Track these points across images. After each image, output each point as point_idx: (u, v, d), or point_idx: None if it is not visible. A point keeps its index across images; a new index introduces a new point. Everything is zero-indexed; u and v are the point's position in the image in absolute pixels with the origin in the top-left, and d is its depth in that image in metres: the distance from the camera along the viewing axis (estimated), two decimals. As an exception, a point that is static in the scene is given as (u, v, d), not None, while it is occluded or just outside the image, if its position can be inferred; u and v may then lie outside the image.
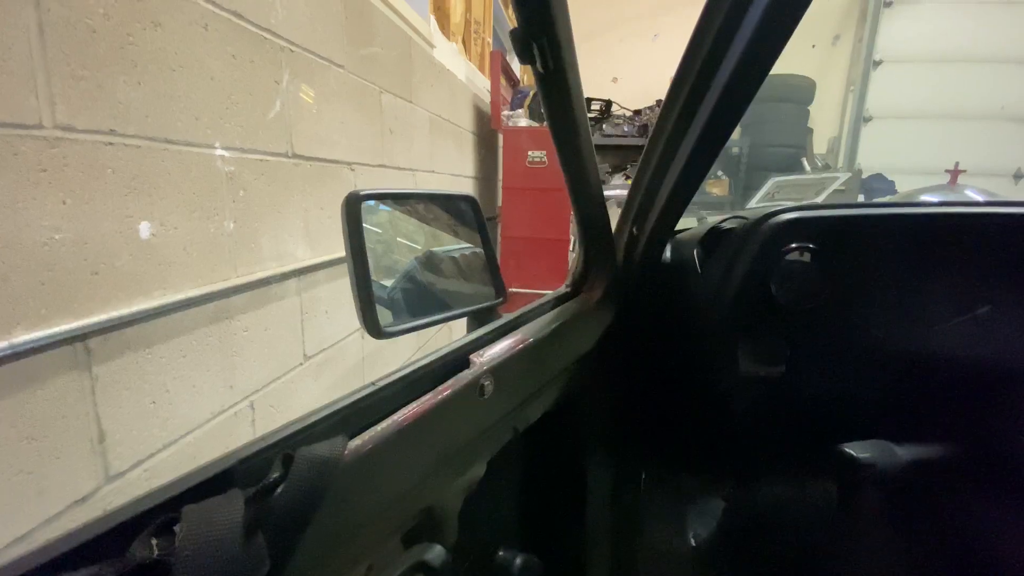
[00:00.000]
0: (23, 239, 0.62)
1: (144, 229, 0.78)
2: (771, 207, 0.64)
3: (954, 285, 0.62)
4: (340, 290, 1.39)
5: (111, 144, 0.72)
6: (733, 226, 0.67)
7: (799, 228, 0.62)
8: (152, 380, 0.82)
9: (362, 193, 0.49)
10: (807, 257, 0.61)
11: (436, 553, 0.44)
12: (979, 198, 3.02)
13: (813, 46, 4.96)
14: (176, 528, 0.27)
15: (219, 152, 0.93)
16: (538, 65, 0.45)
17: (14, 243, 0.61)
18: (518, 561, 0.57)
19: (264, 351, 1.11)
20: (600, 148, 3.62)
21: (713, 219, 0.72)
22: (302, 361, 1.25)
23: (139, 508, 0.28)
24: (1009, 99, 4.65)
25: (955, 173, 4.06)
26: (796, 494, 0.84)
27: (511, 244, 3.07)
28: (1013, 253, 0.61)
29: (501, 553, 0.58)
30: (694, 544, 0.93)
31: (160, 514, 0.28)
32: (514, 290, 3.03)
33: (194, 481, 0.30)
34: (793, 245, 0.61)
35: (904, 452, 0.60)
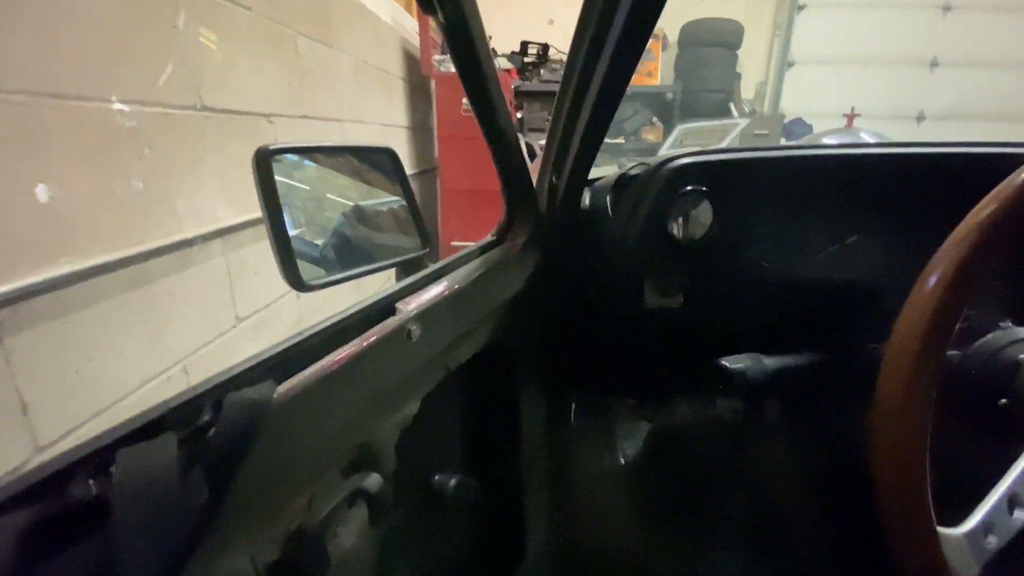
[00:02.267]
0: (-101, 208, 0.58)
1: (41, 192, 0.73)
2: (670, 154, 0.69)
3: (827, 218, 0.71)
4: (269, 250, 1.35)
5: (-10, 100, 0.66)
6: (637, 172, 0.72)
7: (692, 172, 0.68)
8: (73, 350, 0.79)
9: (272, 147, 0.49)
10: (701, 198, 0.67)
11: (373, 480, 0.49)
12: (870, 139, 3.31)
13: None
14: (112, 469, 0.29)
15: (116, 106, 0.87)
16: (440, 16, 0.45)
17: None
18: (452, 482, 0.63)
19: (193, 314, 1.08)
20: (538, 95, 3.58)
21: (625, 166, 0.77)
22: (235, 324, 1.23)
23: (72, 457, 0.29)
24: (916, 43, 4.97)
25: (850, 117, 4.41)
26: (705, 411, 0.95)
27: (452, 197, 3.03)
28: (875, 188, 0.71)
29: (437, 477, 0.64)
30: (623, 462, 1.04)
31: (95, 460, 0.30)
32: (457, 243, 3.03)
33: (126, 429, 0.32)
34: (688, 188, 0.67)
35: (771, 362, 0.70)
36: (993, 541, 0.39)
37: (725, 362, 0.69)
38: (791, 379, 0.71)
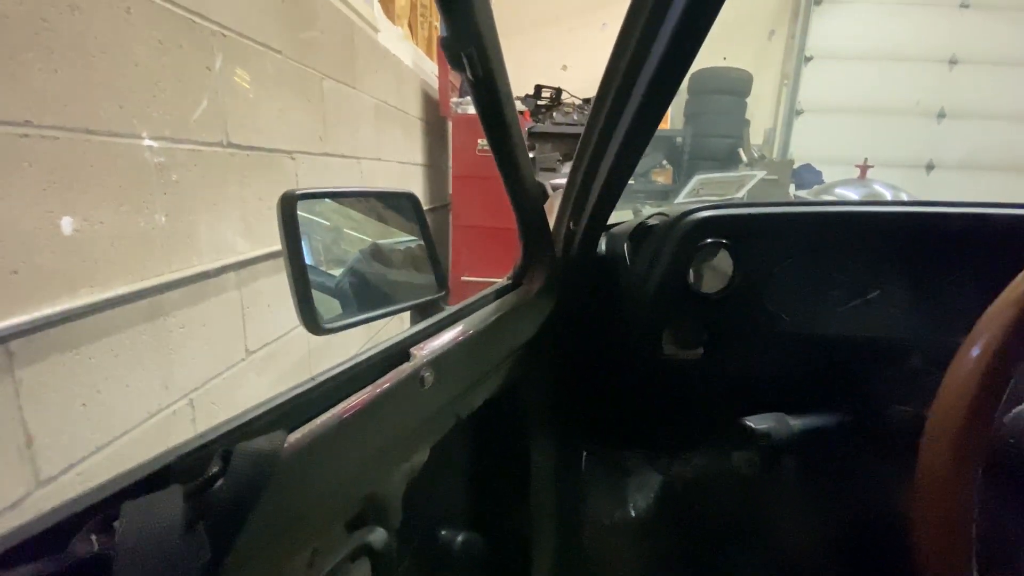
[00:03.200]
0: (-70, 238, 0.59)
1: (67, 224, 0.75)
2: (690, 204, 0.69)
3: (848, 273, 0.70)
4: (283, 283, 1.36)
5: (27, 136, 0.68)
6: (656, 223, 0.73)
7: (712, 225, 0.68)
8: (82, 381, 0.79)
9: (298, 192, 0.49)
10: (720, 251, 0.67)
11: (378, 536, 0.47)
12: (884, 190, 3.33)
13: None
14: (116, 524, 0.28)
15: (147, 143, 0.89)
16: (468, 73, 0.47)
17: (-81, 243, 0.58)
18: (459, 539, 0.61)
19: (203, 347, 1.08)
20: (550, 136, 3.66)
21: (641, 215, 0.78)
22: (244, 356, 1.23)
23: (77, 507, 0.28)
24: (923, 95, 5.07)
25: (863, 168, 4.45)
26: (721, 464, 0.92)
27: (463, 233, 3.07)
28: (896, 244, 0.70)
29: (444, 533, 0.61)
30: (634, 515, 1.00)
31: (99, 511, 0.29)
32: (467, 279, 3.04)
33: (132, 479, 0.31)
34: (707, 240, 0.67)
35: (797, 423, 0.68)
36: None
37: (749, 422, 0.67)
38: (815, 440, 0.68)
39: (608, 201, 0.69)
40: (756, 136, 5.44)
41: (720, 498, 0.94)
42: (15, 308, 0.68)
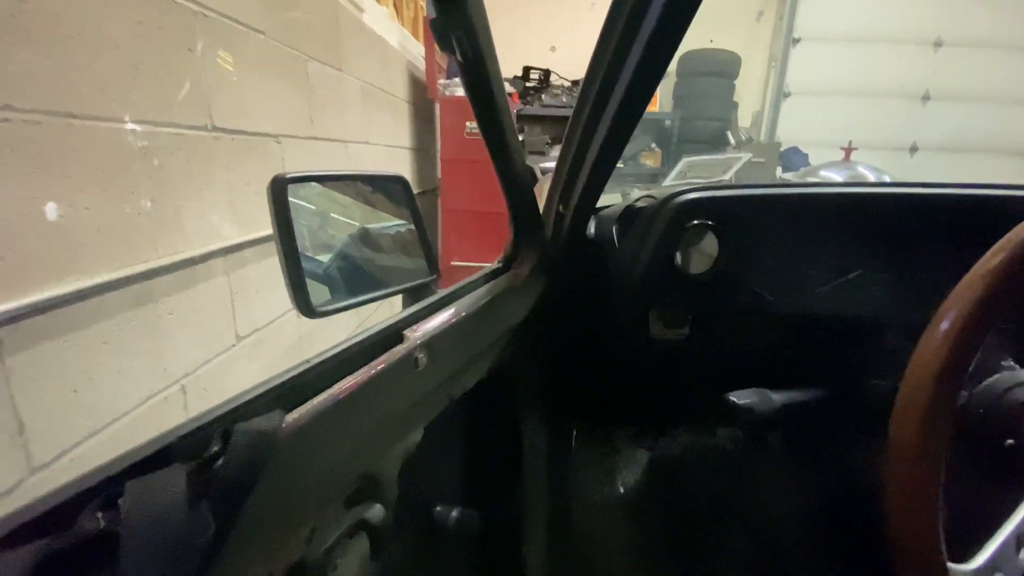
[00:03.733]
0: (-89, 225, 0.58)
1: (51, 211, 0.74)
2: (677, 187, 0.70)
3: (831, 254, 0.72)
4: (272, 268, 1.35)
5: (7, 120, 0.67)
6: (644, 205, 0.74)
7: (698, 207, 0.69)
8: (72, 368, 0.79)
9: (288, 176, 0.50)
10: (706, 232, 0.68)
11: (376, 511, 0.48)
12: (868, 172, 3.38)
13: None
14: (120, 502, 0.29)
15: (129, 126, 0.88)
16: (457, 55, 0.47)
17: (-100, 229, 0.57)
18: (454, 514, 0.62)
19: (193, 333, 1.08)
20: (539, 119, 3.64)
21: (630, 198, 0.79)
22: (235, 342, 1.23)
23: (82, 486, 0.29)
24: (908, 77, 5.11)
25: (848, 151, 4.50)
26: (706, 440, 0.94)
27: (452, 217, 3.05)
28: (877, 225, 0.72)
29: (439, 508, 0.63)
30: (623, 492, 1.03)
31: (103, 490, 0.29)
32: (457, 263, 3.04)
33: (135, 459, 0.32)
34: (694, 222, 0.68)
35: (779, 397, 0.70)
36: None
37: (732, 397, 0.69)
38: (797, 414, 0.71)
39: (597, 184, 0.69)
40: (744, 119, 5.45)
41: (705, 474, 0.97)
42: (1, 295, 0.67)
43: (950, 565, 0.39)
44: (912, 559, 0.39)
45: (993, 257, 0.39)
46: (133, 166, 0.89)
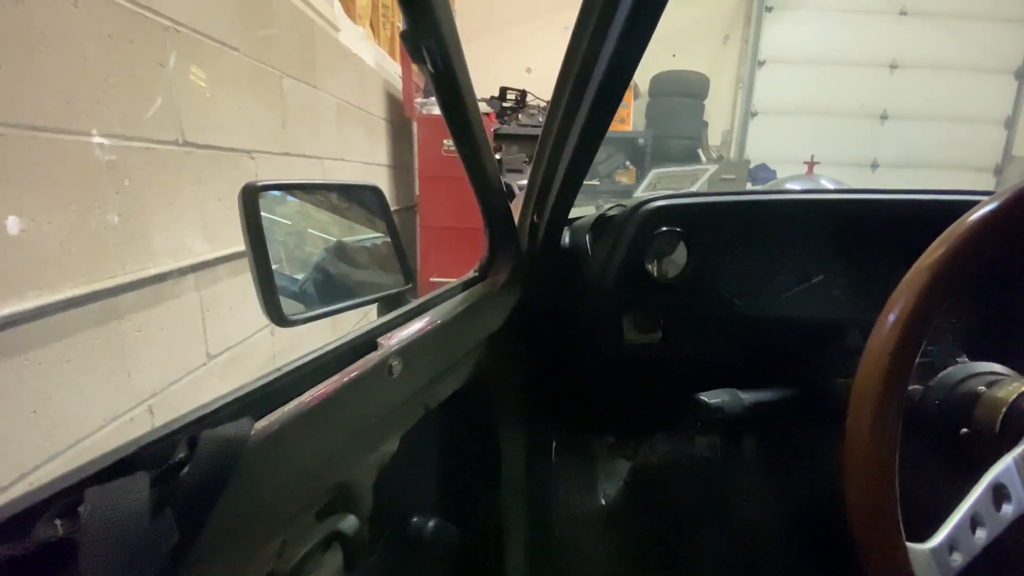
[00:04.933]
0: None
1: (12, 225, 0.71)
2: (645, 196, 0.73)
3: (795, 259, 0.74)
4: (245, 285, 1.33)
5: (-35, 131, 0.65)
6: (615, 213, 0.76)
7: (666, 213, 0.71)
8: (31, 387, 0.76)
9: (259, 184, 0.49)
10: (676, 238, 0.70)
11: (350, 522, 0.47)
12: (830, 185, 3.53)
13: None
14: (80, 509, 0.28)
15: (96, 140, 0.86)
16: (428, 65, 0.48)
17: None
18: (431, 525, 0.61)
19: (161, 352, 1.05)
20: (516, 138, 3.69)
21: (603, 208, 0.80)
22: (205, 361, 1.20)
23: (40, 496, 0.28)
24: (868, 97, 5.37)
25: (811, 165, 4.71)
26: (684, 448, 0.95)
27: (430, 234, 3.06)
28: (839, 231, 0.75)
29: (415, 520, 0.62)
30: (604, 502, 1.02)
31: (62, 498, 0.28)
32: (436, 279, 3.03)
33: (97, 467, 0.31)
34: (663, 229, 0.71)
35: (748, 396, 0.72)
36: (958, 559, 0.40)
37: (703, 397, 0.70)
38: (766, 412, 0.72)
39: (569, 194, 0.71)
40: (714, 137, 5.64)
41: (684, 481, 0.97)
42: (-43, 311, 0.65)
43: (909, 545, 0.40)
44: (872, 543, 0.41)
45: (935, 250, 0.42)
46: (100, 180, 0.88)
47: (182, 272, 1.10)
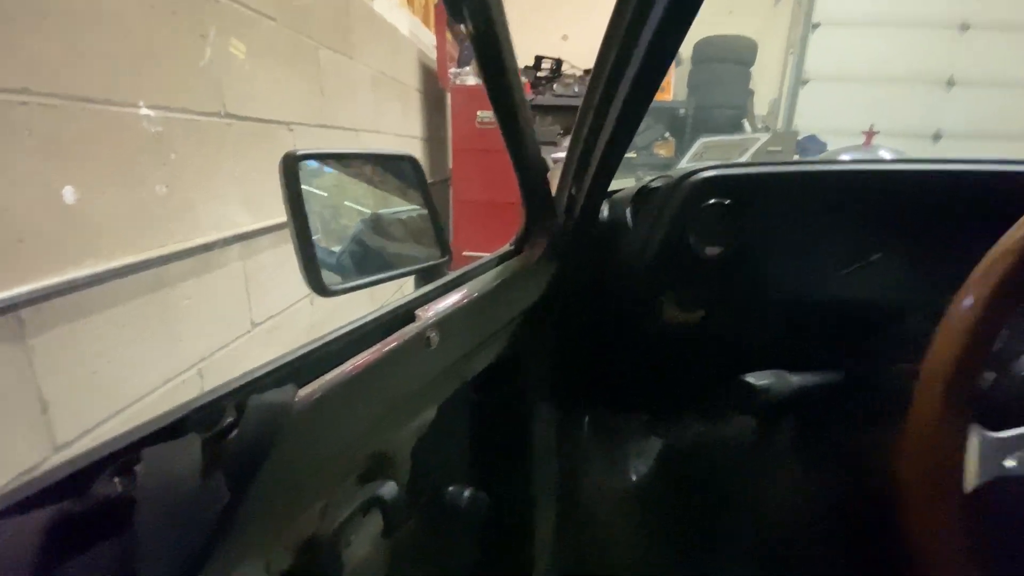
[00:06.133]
0: (-65, 206, 0.59)
1: (69, 194, 0.75)
2: (692, 167, 0.69)
3: (852, 235, 0.70)
4: (285, 256, 1.36)
5: (25, 104, 0.68)
6: (659, 184, 0.72)
7: (715, 185, 0.67)
8: (92, 350, 0.80)
9: (299, 153, 0.49)
10: (722, 211, 0.67)
11: (389, 489, 0.48)
12: (889, 156, 3.30)
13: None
14: (136, 469, 0.29)
15: (144, 111, 0.88)
16: (469, 25, 0.46)
17: (-74, 210, 0.58)
18: (466, 495, 0.62)
19: (209, 319, 1.09)
20: (551, 109, 3.60)
21: (644, 180, 0.77)
22: (250, 328, 1.24)
23: (99, 454, 0.29)
24: (933, 62, 4.95)
25: (869, 135, 4.36)
26: (719, 428, 0.93)
27: (464, 208, 3.05)
28: (902, 206, 0.70)
29: (450, 489, 0.63)
30: (634, 480, 1.02)
31: (120, 458, 0.30)
32: (469, 254, 3.03)
33: (151, 429, 0.32)
34: (711, 201, 0.67)
35: (796, 379, 0.69)
36: (1012, 463, 0.38)
37: (749, 379, 0.68)
38: (815, 397, 0.69)
39: (609, 165, 0.68)
40: (761, 106, 5.34)
41: (718, 462, 0.95)
42: (23, 276, 0.68)
43: (978, 427, 0.38)
44: (932, 549, 0.38)
45: (1018, 230, 0.38)
46: (147, 152, 0.90)
47: (227, 242, 1.13)
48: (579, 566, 0.95)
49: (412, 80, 2.71)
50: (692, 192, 0.67)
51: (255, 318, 1.26)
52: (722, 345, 0.76)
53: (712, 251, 0.68)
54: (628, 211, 0.75)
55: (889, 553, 0.42)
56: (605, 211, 0.79)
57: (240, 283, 1.21)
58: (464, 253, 3.10)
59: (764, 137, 2.31)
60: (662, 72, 0.55)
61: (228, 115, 1.12)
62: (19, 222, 0.68)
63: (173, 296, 0.98)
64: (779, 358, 0.71)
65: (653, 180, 0.74)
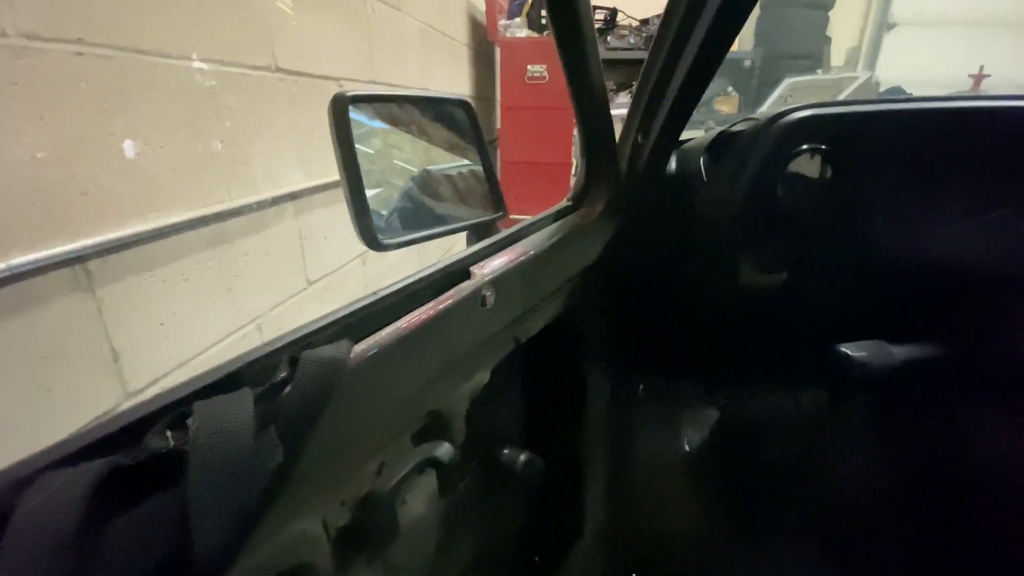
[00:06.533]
0: (5, 158, 0.60)
1: (128, 148, 0.75)
2: (783, 109, 0.60)
3: (971, 187, 0.60)
4: (337, 215, 1.37)
5: (80, 55, 0.68)
6: (743, 128, 0.64)
7: (812, 127, 0.58)
8: (157, 302, 0.83)
9: (349, 94, 0.46)
10: (818, 158, 0.58)
11: (445, 450, 0.47)
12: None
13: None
14: (189, 422, 0.28)
15: (197, 64, 0.88)
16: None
17: (-4, 162, 0.59)
18: (522, 458, 0.61)
19: (266, 276, 1.11)
20: (605, 64, 3.40)
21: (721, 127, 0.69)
22: (305, 286, 1.26)
23: (152, 406, 0.29)
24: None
25: (979, 78, 3.80)
26: (788, 402, 0.87)
27: (511, 169, 2.98)
28: None
29: (506, 451, 0.61)
30: (688, 449, 0.98)
31: (173, 410, 0.29)
32: (516, 217, 2.98)
33: (205, 382, 0.31)
34: (804, 146, 0.58)
35: (900, 352, 0.60)
36: None
37: (845, 349, 0.60)
38: (919, 373, 0.61)
39: (682, 112, 0.61)
40: (837, 56, 4.85)
41: (786, 437, 0.89)
42: (88, 229, 0.70)
43: None
44: None
45: None
46: (202, 106, 0.90)
47: (282, 200, 1.14)
48: (627, 532, 0.94)
49: (460, 34, 2.61)
50: (783, 136, 0.59)
51: (310, 276, 1.28)
52: (807, 311, 0.68)
53: (803, 204, 0.60)
54: (702, 161, 0.68)
55: (1005, 553, 0.37)
56: (673, 163, 0.72)
57: (295, 241, 1.22)
58: (511, 216, 3.05)
59: (864, 75, 2.00)
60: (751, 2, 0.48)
61: (279, 69, 1.10)
62: (82, 175, 0.69)
63: (231, 252, 1.00)
64: (875, 328, 0.63)
65: (733, 125, 0.66)
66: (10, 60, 0.59)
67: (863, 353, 0.59)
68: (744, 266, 0.68)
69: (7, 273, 0.59)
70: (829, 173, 0.59)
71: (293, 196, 1.18)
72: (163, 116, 0.82)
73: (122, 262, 0.75)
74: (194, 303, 0.91)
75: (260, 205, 1.06)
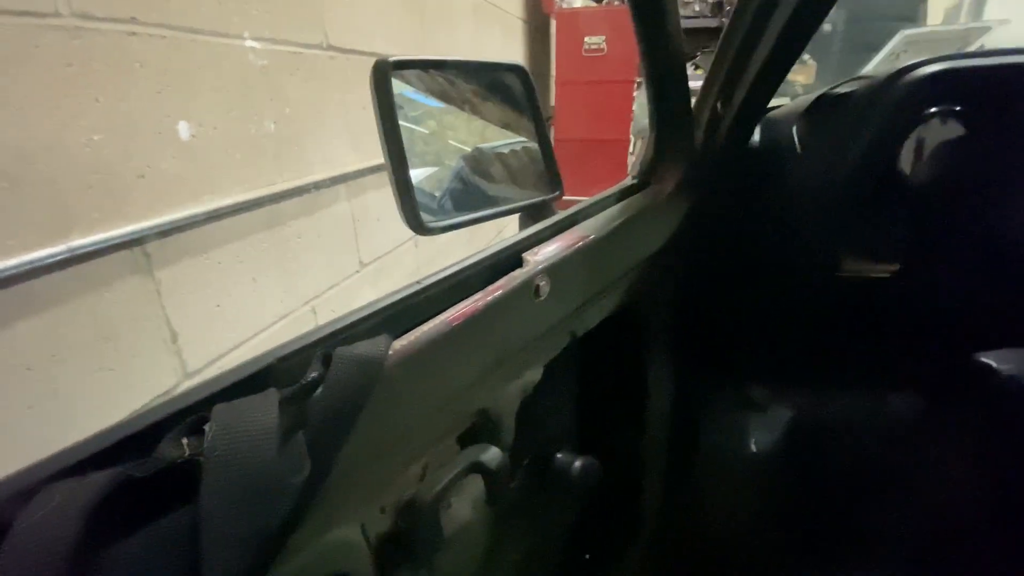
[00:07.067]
0: (64, 140, 0.61)
1: (183, 129, 0.75)
2: (907, 64, 0.49)
3: None
4: (390, 197, 1.35)
5: (134, 34, 0.67)
6: (853, 89, 0.54)
7: (948, 83, 0.47)
8: (214, 284, 0.84)
9: (391, 60, 0.42)
10: (953, 122, 0.47)
11: (492, 455, 0.42)
12: None
13: None
14: (206, 428, 0.25)
15: (249, 43, 0.87)
16: None
17: (55, 145, 0.60)
18: (577, 464, 0.56)
19: (319, 258, 1.11)
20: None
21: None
22: (358, 268, 1.26)
23: (170, 408, 0.26)
24: None
25: None
26: (881, 408, 0.77)
27: (566, 147, 2.88)
28: None
29: (560, 456, 0.56)
30: (755, 452, 0.90)
31: (191, 413, 0.26)
32: (570, 198, 2.89)
33: (228, 381, 0.28)
34: (934, 109, 0.48)
35: None
36: None
37: (988, 359, 0.50)
38: None
39: (774, 74, 0.53)
40: (935, 15, 4.32)
41: (870, 446, 0.80)
42: (146, 211, 0.71)
43: None
44: None
45: None
46: (255, 86, 0.89)
47: (334, 181, 1.13)
48: (686, 538, 0.88)
49: (514, 7, 2.52)
50: (910, 96, 0.48)
51: (363, 258, 1.27)
52: (927, 309, 0.57)
53: (927, 180, 0.50)
54: (795, 130, 0.58)
55: None
56: (757, 134, 0.63)
57: (348, 223, 1.21)
58: (566, 198, 2.96)
59: (995, 23, 1.66)
60: None
61: (330, 47, 1.08)
62: (139, 157, 0.70)
63: (286, 234, 1.00)
64: (1010, 332, 0.52)
65: (839, 85, 0.56)
66: (64, 41, 0.59)
67: (1009, 365, 0.49)
68: (846, 253, 0.58)
69: (68, 255, 0.60)
70: (966, 141, 0.48)
71: (345, 177, 1.17)
72: (216, 97, 0.81)
73: (179, 244, 0.76)
74: (249, 284, 0.91)
75: (314, 187, 1.06)
